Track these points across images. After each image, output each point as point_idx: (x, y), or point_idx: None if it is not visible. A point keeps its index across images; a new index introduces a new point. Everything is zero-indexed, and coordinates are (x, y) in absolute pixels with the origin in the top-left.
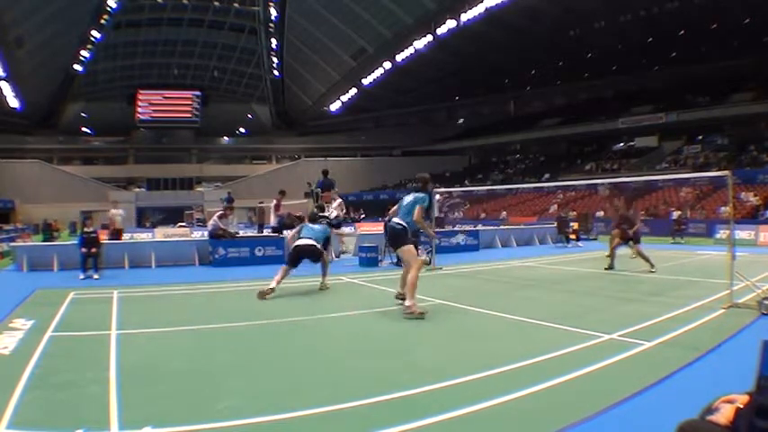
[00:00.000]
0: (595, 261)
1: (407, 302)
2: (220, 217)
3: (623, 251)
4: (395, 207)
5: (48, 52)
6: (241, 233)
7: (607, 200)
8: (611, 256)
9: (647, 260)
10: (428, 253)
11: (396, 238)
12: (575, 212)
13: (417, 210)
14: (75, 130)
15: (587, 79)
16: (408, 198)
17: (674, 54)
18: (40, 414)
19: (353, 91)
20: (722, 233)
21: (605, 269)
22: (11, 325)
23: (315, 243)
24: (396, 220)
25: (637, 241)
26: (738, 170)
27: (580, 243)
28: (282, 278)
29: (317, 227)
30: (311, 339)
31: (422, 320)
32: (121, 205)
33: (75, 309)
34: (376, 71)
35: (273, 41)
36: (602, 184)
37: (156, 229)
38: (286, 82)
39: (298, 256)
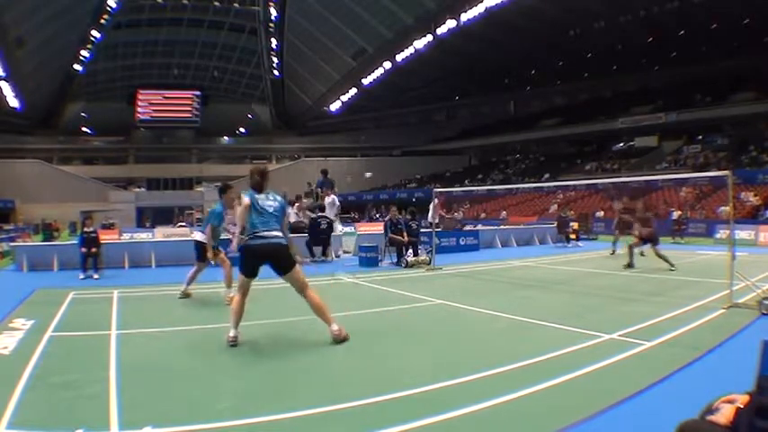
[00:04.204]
0: (595, 261)
1: (335, 327)
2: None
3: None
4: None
5: (48, 52)
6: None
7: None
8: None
9: (630, 257)
10: (428, 253)
11: (282, 257)
12: (573, 212)
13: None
14: (76, 130)
15: (587, 79)
16: (273, 203)
17: (673, 54)
18: (40, 414)
19: (353, 91)
20: (722, 233)
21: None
22: (11, 325)
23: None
24: (272, 234)
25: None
26: (738, 170)
27: (580, 243)
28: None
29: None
30: (310, 339)
31: (421, 320)
32: (121, 204)
33: (75, 309)
34: (376, 71)
35: (273, 41)
36: (603, 183)
37: (156, 229)
38: (286, 82)
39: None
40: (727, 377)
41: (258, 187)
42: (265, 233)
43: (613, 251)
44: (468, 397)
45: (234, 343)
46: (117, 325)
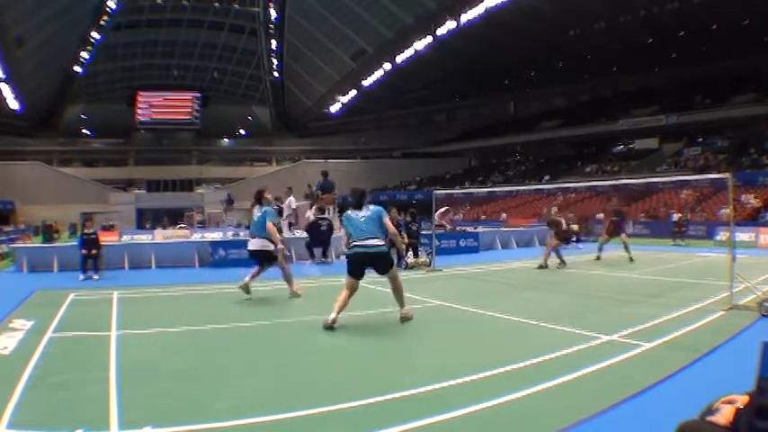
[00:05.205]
0: (595, 262)
1: (405, 309)
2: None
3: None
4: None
5: (48, 53)
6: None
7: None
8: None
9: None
10: (428, 254)
11: (381, 261)
12: (573, 214)
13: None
14: (76, 132)
15: (587, 80)
16: (365, 214)
17: (674, 55)
18: (39, 414)
19: (353, 92)
20: (722, 235)
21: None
22: (11, 325)
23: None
24: (370, 242)
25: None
26: (739, 172)
27: (580, 245)
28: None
29: (257, 214)
30: (311, 339)
31: (421, 321)
32: (121, 206)
33: (74, 309)
34: (376, 72)
35: (273, 42)
36: (602, 186)
37: (155, 231)
38: (286, 83)
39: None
40: (727, 378)
41: (352, 207)
42: (363, 242)
43: (598, 257)
44: (469, 397)
45: (332, 326)
46: (117, 326)
